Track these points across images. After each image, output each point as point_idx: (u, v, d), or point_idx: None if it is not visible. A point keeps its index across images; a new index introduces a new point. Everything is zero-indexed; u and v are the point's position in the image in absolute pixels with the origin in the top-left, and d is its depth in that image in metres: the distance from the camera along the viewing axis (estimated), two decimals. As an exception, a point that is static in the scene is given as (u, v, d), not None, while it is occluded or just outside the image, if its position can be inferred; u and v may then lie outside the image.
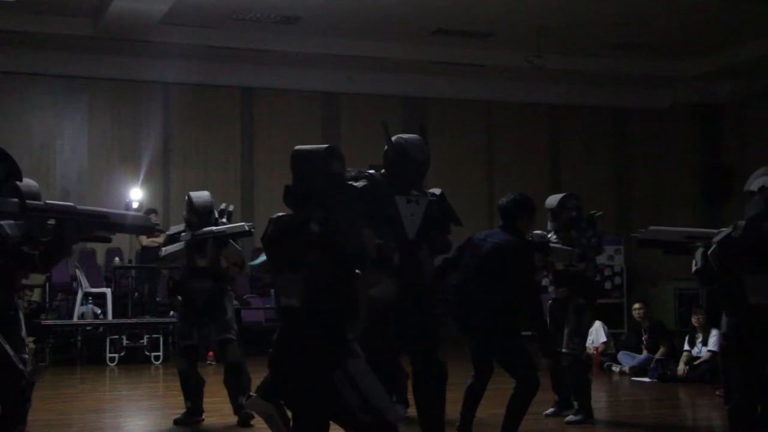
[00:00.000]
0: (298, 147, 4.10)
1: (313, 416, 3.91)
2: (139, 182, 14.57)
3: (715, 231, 4.95)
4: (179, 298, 7.28)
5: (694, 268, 5.02)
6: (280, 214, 4.06)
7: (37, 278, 14.06)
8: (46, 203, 4.56)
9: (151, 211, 13.68)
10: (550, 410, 7.50)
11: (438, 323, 5.35)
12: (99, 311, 12.46)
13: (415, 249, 5.22)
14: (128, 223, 4.97)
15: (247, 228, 7.08)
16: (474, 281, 5.86)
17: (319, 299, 3.82)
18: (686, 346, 10.29)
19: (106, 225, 4.75)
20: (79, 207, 4.57)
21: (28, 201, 4.48)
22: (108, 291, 12.69)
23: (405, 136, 5.39)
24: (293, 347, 3.91)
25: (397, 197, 5.23)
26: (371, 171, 5.40)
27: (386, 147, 5.32)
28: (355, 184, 5.16)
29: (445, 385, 5.32)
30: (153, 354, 11.88)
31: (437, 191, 5.47)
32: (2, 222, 4.37)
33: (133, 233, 6.83)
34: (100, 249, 14.58)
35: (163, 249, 7.33)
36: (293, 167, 4.02)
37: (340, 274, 3.86)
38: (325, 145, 4.09)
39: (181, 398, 7.33)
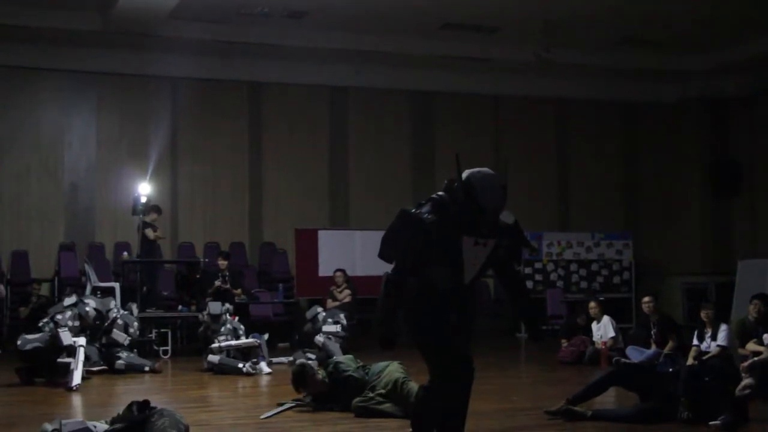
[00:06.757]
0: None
1: None
2: (147, 177, 14.54)
3: None
4: None
5: None
6: None
7: (45, 272, 14.15)
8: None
9: (155, 209, 13.47)
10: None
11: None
12: (107, 305, 12.45)
13: (468, 291, 4.75)
14: None
15: None
16: None
17: None
18: (695, 341, 10.24)
19: None
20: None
21: None
22: (116, 285, 12.69)
23: (479, 173, 4.59)
24: None
25: (465, 238, 4.59)
26: (443, 197, 4.68)
27: (455, 182, 4.61)
28: (424, 211, 4.59)
29: None
30: (161, 348, 11.88)
31: (510, 220, 4.73)
32: None
33: None
34: (108, 243, 14.61)
35: None
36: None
37: None
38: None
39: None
